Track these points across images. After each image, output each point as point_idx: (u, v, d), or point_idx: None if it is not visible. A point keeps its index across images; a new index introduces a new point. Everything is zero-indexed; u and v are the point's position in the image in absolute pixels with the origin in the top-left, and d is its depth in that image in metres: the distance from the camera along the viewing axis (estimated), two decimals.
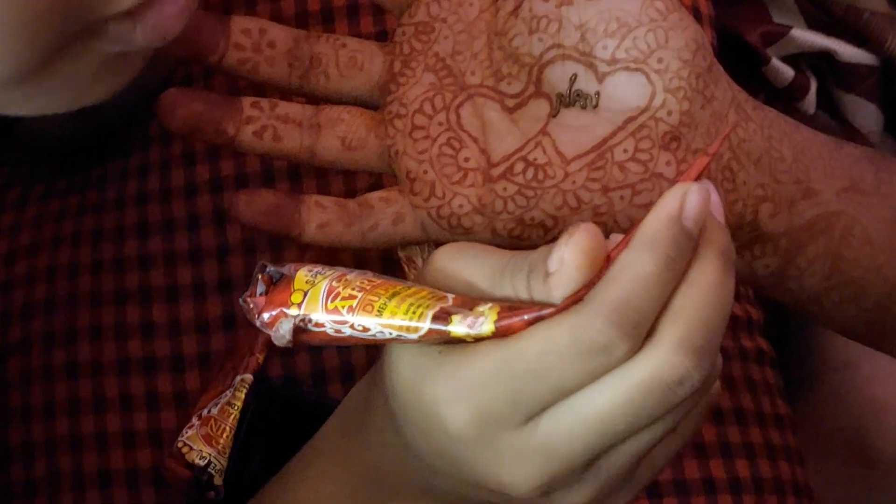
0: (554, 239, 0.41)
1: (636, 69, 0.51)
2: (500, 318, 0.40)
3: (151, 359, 0.64)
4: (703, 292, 0.39)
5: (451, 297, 0.41)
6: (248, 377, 0.59)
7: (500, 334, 0.40)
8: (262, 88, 0.57)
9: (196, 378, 0.63)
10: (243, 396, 0.59)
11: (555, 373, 0.39)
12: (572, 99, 0.52)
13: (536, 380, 0.40)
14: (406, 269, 0.61)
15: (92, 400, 0.63)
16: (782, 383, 0.72)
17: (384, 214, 0.53)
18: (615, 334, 0.38)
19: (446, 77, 0.53)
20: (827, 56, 0.83)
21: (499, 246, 0.45)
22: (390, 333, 0.41)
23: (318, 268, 0.44)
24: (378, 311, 0.41)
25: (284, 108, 0.54)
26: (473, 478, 0.43)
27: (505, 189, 0.52)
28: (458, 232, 0.53)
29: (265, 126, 0.53)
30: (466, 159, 0.52)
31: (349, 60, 0.54)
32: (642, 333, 0.39)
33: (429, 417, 0.42)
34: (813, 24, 0.83)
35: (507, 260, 0.42)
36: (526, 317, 0.39)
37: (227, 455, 0.58)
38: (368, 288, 0.42)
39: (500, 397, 0.40)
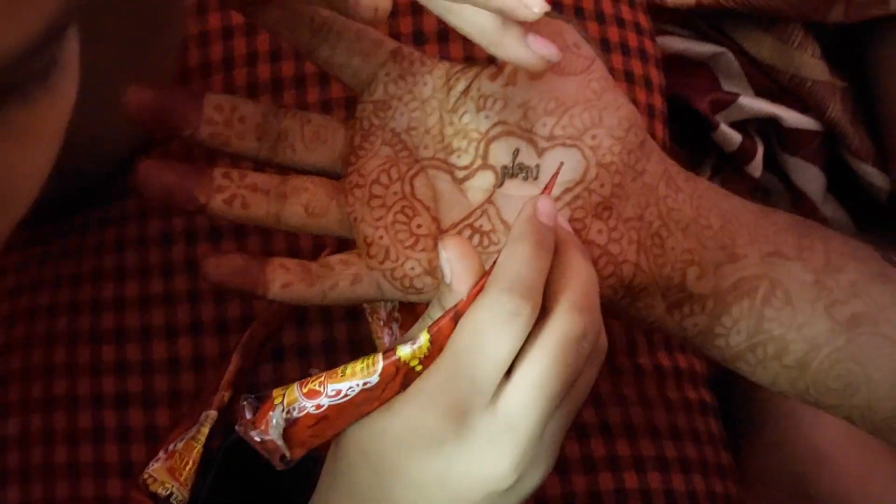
0: None
1: (572, 145, 0.54)
2: (430, 329, 0.49)
3: (124, 395, 0.67)
4: (575, 267, 0.50)
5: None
6: (213, 413, 0.62)
7: (436, 341, 0.49)
8: (237, 156, 0.60)
9: (166, 414, 0.66)
10: (207, 432, 0.62)
11: (489, 345, 0.48)
12: (515, 171, 0.55)
13: (479, 357, 0.48)
14: (370, 319, 0.65)
15: (66, 431, 0.66)
16: (725, 434, 0.75)
17: (343, 276, 0.56)
18: (518, 299, 0.48)
19: (401, 150, 0.56)
20: (773, 121, 0.86)
21: None
22: (357, 385, 0.49)
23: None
24: (341, 374, 0.50)
25: (253, 178, 0.57)
26: (460, 486, 0.49)
27: None
28: (411, 292, 0.56)
29: (234, 195, 0.56)
30: (419, 226, 0.55)
31: (314, 135, 0.57)
32: (538, 298, 0.48)
33: (410, 442, 0.49)
34: (760, 92, 0.86)
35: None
36: (448, 316, 0.49)
37: (189, 487, 0.61)
38: (327, 371, 0.51)
39: (460, 387, 0.48)
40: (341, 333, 0.68)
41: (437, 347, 0.49)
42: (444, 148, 0.56)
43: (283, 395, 0.50)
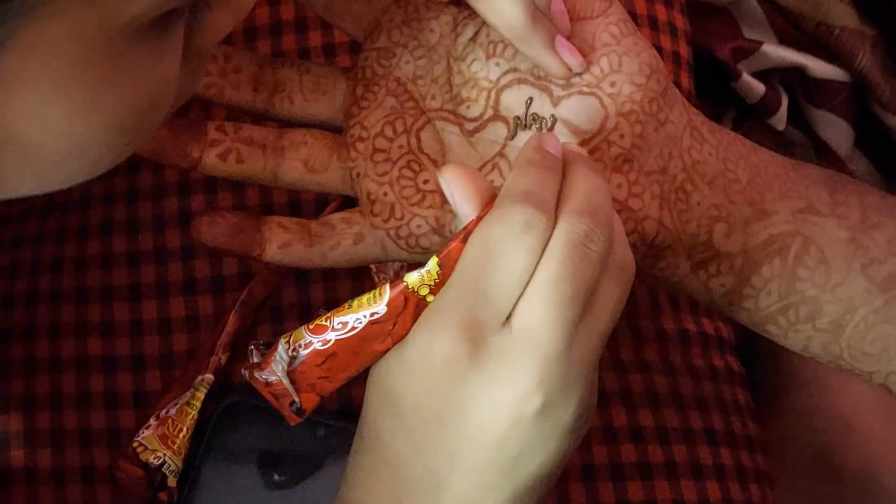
0: None
1: (590, 93, 0.51)
2: (439, 253, 0.46)
3: (111, 357, 0.64)
4: (579, 177, 0.47)
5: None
6: (209, 377, 0.59)
7: (445, 265, 0.46)
8: (232, 108, 0.57)
9: (157, 378, 0.63)
10: (203, 397, 0.59)
11: (504, 260, 0.45)
12: (528, 122, 0.52)
13: (494, 274, 0.45)
14: (376, 278, 0.62)
15: (49, 396, 0.63)
16: (753, 404, 0.72)
17: (345, 235, 0.54)
18: (532, 209, 0.45)
19: (407, 101, 0.54)
20: (798, 71, 0.83)
21: None
22: (365, 316, 0.46)
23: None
24: (348, 307, 0.47)
25: (248, 131, 0.55)
26: (484, 413, 0.45)
27: None
28: (417, 252, 0.53)
29: (229, 149, 0.54)
30: (426, 181, 0.53)
31: (313, 85, 0.55)
32: (552, 213, 0.45)
33: (425, 369, 0.45)
34: (784, 40, 0.83)
35: None
36: (459, 238, 0.46)
37: (182, 456, 0.58)
38: (335, 308, 0.48)
39: (473, 304, 0.45)
40: (344, 292, 0.66)
41: (447, 273, 0.46)
42: (452, 98, 0.54)
43: (290, 336, 0.48)
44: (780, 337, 0.55)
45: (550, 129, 0.52)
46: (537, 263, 0.45)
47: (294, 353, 0.47)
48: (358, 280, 0.65)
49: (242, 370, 0.49)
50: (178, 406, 0.59)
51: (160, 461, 0.58)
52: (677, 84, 0.71)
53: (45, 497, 0.61)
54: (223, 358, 0.61)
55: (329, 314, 0.47)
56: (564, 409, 0.46)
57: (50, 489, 0.62)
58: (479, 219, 0.46)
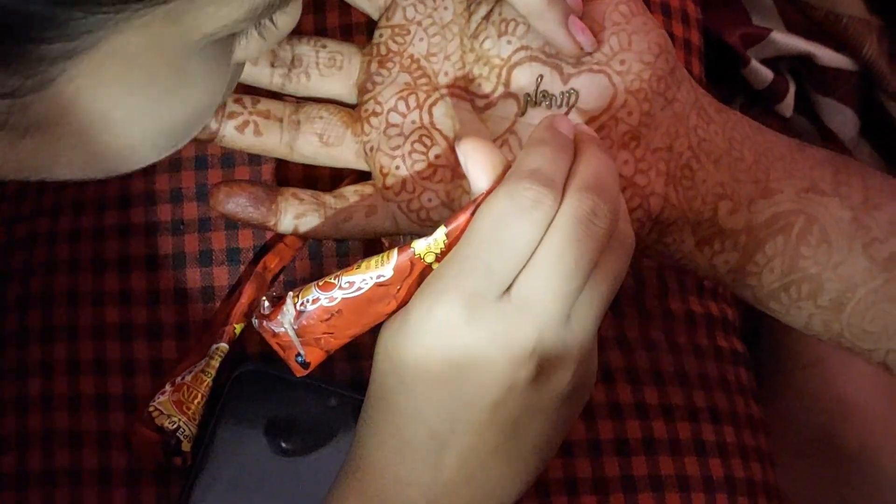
0: None
1: (599, 71, 0.52)
2: (447, 223, 0.47)
3: (129, 325, 0.64)
4: (589, 158, 0.48)
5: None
6: (224, 346, 0.60)
7: (453, 236, 0.47)
8: (249, 83, 0.58)
9: (173, 346, 0.64)
10: (217, 365, 0.60)
11: (509, 234, 0.46)
12: (539, 99, 0.53)
13: (498, 246, 0.46)
14: None
15: (66, 362, 0.64)
16: (756, 386, 0.73)
17: (358, 207, 0.55)
18: (540, 187, 0.46)
19: (420, 77, 0.55)
20: (806, 59, 0.83)
21: None
22: (371, 278, 0.48)
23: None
24: (356, 268, 0.48)
25: (266, 104, 0.56)
26: (480, 378, 0.47)
27: None
28: (427, 225, 0.54)
29: (247, 121, 0.55)
30: (437, 156, 0.54)
31: (329, 61, 0.56)
32: (559, 192, 0.46)
33: (424, 333, 0.47)
34: (793, 28, 0.83)
35: None
36: (468, 211, 0.47)
37: (196, 421, 0.59)
38: (344, 268, 0.49)
39: (476, 275, 0.46)
40: None
41: (454, 243, 0.47)
42: (464, 75, 0.55)
43: (300, 291, 0.49)
44: (783, 314, 0.55)
45: (573, 104, 0.53)
46: (541, 238, 0.46)
47: (302, 308, 0.49)
48: (372, 253, 0.66)
49: (253, 319, 0.50)
50: (193, 373, 0.60)
51: (175, 426, 0.59)
52: (688, 71, 0.72)
53: (60, 460, 0.62)
54: (237, 328, 0.62)
55: (338, 273, 0.48)
56: (560, 378, 0.47)
57: (66, 452, 0.62)
58: (490, 191, 0.47)
